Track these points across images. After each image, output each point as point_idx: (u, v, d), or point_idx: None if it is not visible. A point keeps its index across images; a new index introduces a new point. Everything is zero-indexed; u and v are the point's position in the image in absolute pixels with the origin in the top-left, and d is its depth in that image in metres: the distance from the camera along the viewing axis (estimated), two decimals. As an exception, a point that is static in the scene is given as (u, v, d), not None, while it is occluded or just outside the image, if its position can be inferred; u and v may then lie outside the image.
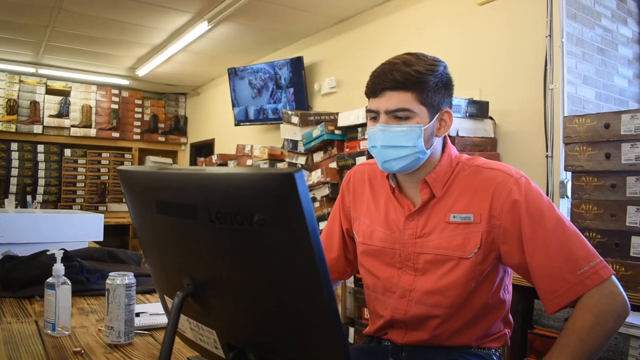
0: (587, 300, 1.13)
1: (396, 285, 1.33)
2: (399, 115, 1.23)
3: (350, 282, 2.88)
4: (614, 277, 1.16)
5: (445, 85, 1.27)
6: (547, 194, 2.63)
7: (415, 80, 1.22)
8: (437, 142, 1.31)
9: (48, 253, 1.85)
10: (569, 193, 2.39)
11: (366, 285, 1.43)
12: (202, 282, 0.79)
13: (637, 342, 1.63)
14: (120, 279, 1.28)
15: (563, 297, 1.14)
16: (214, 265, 0.76)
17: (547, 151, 2.65)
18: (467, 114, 2.73)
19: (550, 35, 2.68)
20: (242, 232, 0.66)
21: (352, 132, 3.12)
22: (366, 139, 2.99)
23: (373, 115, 1.28)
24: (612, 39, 2.92)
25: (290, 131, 3.67)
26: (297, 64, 4.66)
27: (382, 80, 1.23)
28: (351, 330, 2.88)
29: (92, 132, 6.67)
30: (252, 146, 4.46)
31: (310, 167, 3.52)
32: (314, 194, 3.25)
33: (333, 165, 3.16)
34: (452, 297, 1.26)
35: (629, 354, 1.65)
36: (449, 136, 1.41)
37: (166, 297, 0.95)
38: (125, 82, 6.71)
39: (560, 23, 2.67)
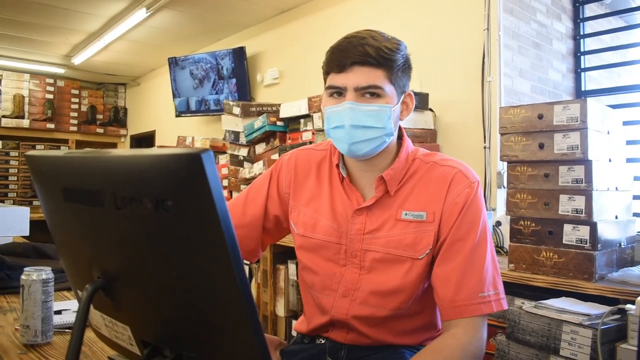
0: (466, 331, 1.10)
1: (338, 283, 1.23)
2: (369, 93, 1.14)
3: (293, 274, 2.84)
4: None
5: (409, 66, 1.21)
6: (485, 185, 2.67)
7: (387, 57, 1.13)
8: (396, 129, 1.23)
9: (-37, 249, 1.73)
10: (505, 183, 2.43)
11: (302, 279, 1.33)
12: (113, 275, 0.73)
13: (569, 327, 1.66)
14: (36, 274, 1.20)
15: (459, 311, 1.11)
16: (123, 256, 0.71)
17: (484, 142, 2.69)
18: (408, 105, 2.73)
19: (487, 29, 2.72)
20: (149, 219, 0.61)
21: (294, 123, 3.08)
22: (308, 130, 3.01)
23: (335, 91, 1.17)
24: (547, 34, 2.99)
25: (232, 122, 3.60)
26: (239, 54, 4.57)
27: (352, 54, 1.12)
28: (294, 323, 2.84)
29: (25, 123, 6.35)
30: (193, 138, 4.35)
31: (252, 158, 3.46)
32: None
33: (275, 156, 3.12)
34: (400, 298, 1.19)
35: (561, 338, 1.68)
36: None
37: (79, 292, 0.89)
38: (60, 70, 6.42)
39: (498, 17, 2.71)
